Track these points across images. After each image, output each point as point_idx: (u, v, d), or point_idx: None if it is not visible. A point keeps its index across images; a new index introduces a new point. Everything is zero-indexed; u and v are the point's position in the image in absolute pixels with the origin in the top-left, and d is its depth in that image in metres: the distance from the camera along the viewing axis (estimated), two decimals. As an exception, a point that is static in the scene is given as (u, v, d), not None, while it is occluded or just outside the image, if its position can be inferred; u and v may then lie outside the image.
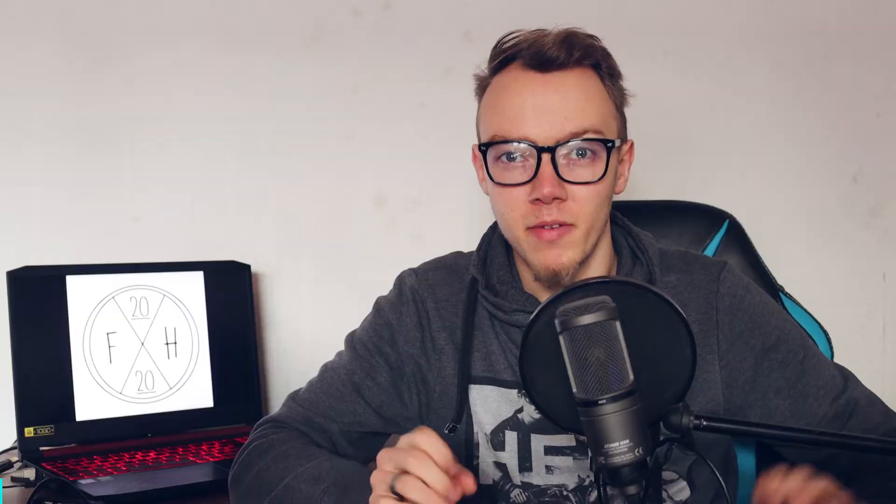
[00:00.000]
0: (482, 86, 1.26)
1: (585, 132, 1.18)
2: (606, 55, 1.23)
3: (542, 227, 1.19)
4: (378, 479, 1.02)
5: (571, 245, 1.20)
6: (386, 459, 1.02)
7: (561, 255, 1.20)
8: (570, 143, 1.17)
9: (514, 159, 1.19)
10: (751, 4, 2.01)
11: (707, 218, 1.61)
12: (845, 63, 2.01)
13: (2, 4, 1.85)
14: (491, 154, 1.21)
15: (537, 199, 1.17)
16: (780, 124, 2.02)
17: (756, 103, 2.01)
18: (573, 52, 1.18)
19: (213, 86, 1.93)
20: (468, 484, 1.01)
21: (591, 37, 1.23)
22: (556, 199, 1.17)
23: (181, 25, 1.91)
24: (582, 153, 1.18)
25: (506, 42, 1.23)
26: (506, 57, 1.21)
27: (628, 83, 1.28)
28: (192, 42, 1.92)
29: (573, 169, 1.18)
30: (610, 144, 1.20)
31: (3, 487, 1.53)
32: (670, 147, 2.00)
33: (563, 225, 1.19)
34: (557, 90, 1.18)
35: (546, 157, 1.17)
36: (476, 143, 1.28)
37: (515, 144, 1.18)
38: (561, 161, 1.18)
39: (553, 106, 1.17)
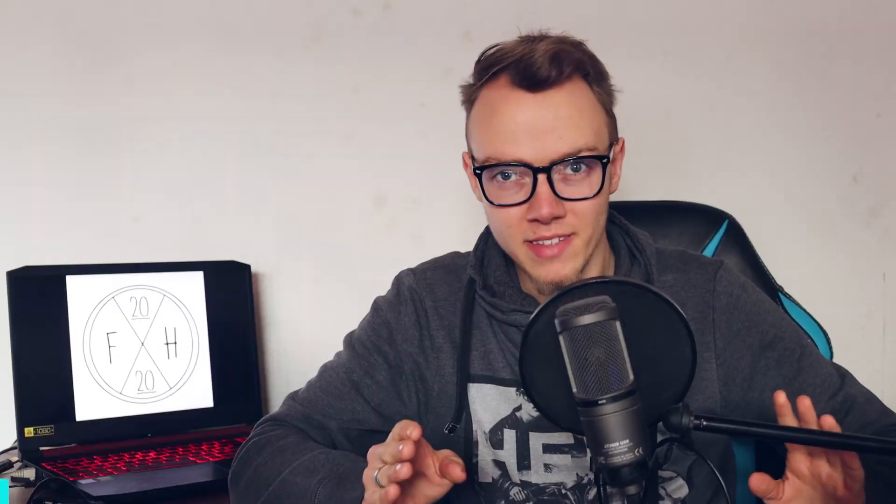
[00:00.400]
0: (470, 99, 1.25)
1: (580, 151, 1.17)
2: (594, 60, 1.23)
3: (541, 242, 1.20)
4: (367, 478, 1.07)
5: (573, 256, 1.21)
6: (372, 456, 1.07)
7: (563, 267, 1.21)
8: (564, 162, 1.17)
9: (508, 178, 1.19)
10: (751, 4, 2.01)
11: (706, 218, 1.61)
12: (845, 63, 2.01)
13: (2, 4, 1.85)
14: (485, 174, 1.21)
15: (535, 219, 1.18)
16: (780, 124, 2.02)
17: (756, 103, 2.01)
18: (564, 69, 1.17)
19: (213, 86, 1.93)
20: (455, 472, 1.04)
21: (578, 45, 1.22)
22: (554, 217, 1.18)
23: (181, 25, 1.91)
24: (577, 168, 1.18)
25: (491, 54, 1.21)
26: (493, 71, 1.20)
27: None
28: (192, 42, 1.92)
29: (569, 185, 1.19)
30: (605, 161, 1.20)
31: (3, 487, 1.53)
32: (670, 147, 2.00)
33: (563, 238, 1.20)
34: (549, 109, 1.17)
35: (542, 177, 1.17)
36: (466, 151, 1.28)
37: (510, 167, 1.18)
38: (556, 178, 1.18)
39: (546, 126, 1.17)
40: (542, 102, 1.17)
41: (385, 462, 1.03)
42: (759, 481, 1.03)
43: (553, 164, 1.17)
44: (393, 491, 1.00)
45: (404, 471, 1.00)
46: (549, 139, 1.16)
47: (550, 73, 1.16)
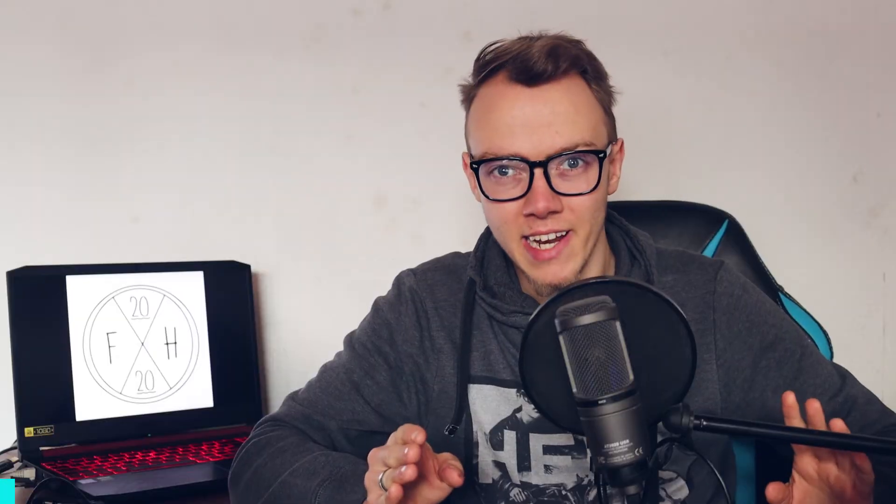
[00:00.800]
0: (468, 97, 1.25)
1: (576, 146, 1.18)
2: (592, 59, 1.23)
3: (538, 242, 1.20)
4: (370, 481, 1.07)
5: (572, 256, 1.21)
6: (374, 459, 1.07)
7: (561, 270, 1.21)
8: (561, 157, 1.17)
9: (505, 173, 1.20)
10: (751, 4, 2.01)
11: (706, 218, 1.61)
12: (845, 63, 2.01)
13: (2, 4, 1.85)
14: (483, 169, 1.21)
15: (532, 214, 1.18)
16: (780, 124, 2.02)
17: (756, 103, 2.01)
18: (560, 64, 1.17)
19: (213, 86, 1.93)
20: (452, 477, 1.04)
21: (576, 42, 1.22)
22: (551, 212, 1.18)
23: (181, 25, 1.91)
24: (574, 163, 1.19)
25: (489, 52, 1.22)
26: (491, 68, 1.20)
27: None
28: (192, 42, 1.91)
29: (566, 180, 1.19)
30: (602, 156, 1.20)
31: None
32: (670, 147, 2.00)
33: (560, 238, 1.19)
34: (546, 104, 1.17)
35: (538, 171, 1.17)
36: (465, 151, 1.28)
37: (507, 161, 1.18)
38: (553, 173, 1.18)
39: (543, 120, 1.17)
40: (538, 97, 1.17)
41: (388, 465, 1.03)
42: (776, 490, 1.02)
43: (549, 158, 1.17)
44: (395, 491, 1.00)
45: (409, 473, 1.00)
46: (545, 134, 1.17)
47: (547, 67, 1.16)
